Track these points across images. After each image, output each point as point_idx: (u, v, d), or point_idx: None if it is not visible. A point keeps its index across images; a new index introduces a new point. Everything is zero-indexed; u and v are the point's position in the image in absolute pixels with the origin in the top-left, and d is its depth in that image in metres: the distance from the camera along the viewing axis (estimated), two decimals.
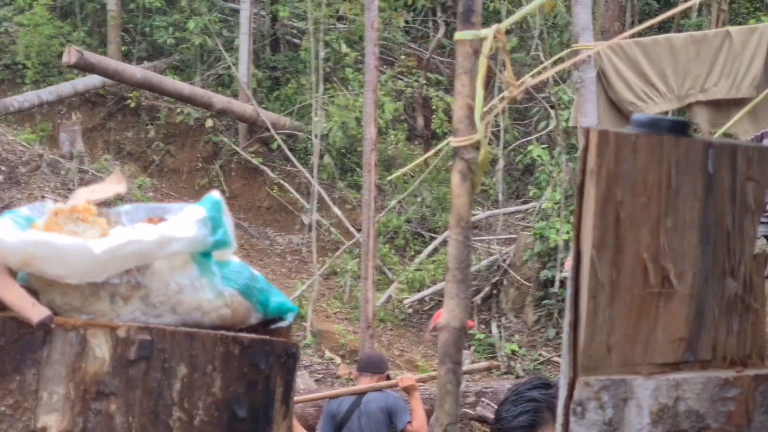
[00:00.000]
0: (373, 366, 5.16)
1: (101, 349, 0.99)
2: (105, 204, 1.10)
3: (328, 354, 11.37)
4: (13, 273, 1.02)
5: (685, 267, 0.88)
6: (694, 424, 0.87)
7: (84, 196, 1.09)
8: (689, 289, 0.88)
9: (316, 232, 12.91)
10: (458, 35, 0.96)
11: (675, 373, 0.88)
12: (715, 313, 0.89)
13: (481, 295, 12.32)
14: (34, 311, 1.00)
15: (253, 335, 1.05)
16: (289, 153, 14.01)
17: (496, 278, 12.45)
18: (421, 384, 5.37)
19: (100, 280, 1.01)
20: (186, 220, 1.04)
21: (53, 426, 0.97)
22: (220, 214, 1.05)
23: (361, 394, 5.09)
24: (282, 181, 14.43)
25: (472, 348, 11.24)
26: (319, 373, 10.57)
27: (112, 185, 1.13)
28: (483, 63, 1.00)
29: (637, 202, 0.87)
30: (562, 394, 0.89)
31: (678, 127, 0.87)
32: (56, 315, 1.01)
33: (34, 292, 1.02)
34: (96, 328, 1.00)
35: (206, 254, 1.04)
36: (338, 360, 11.17)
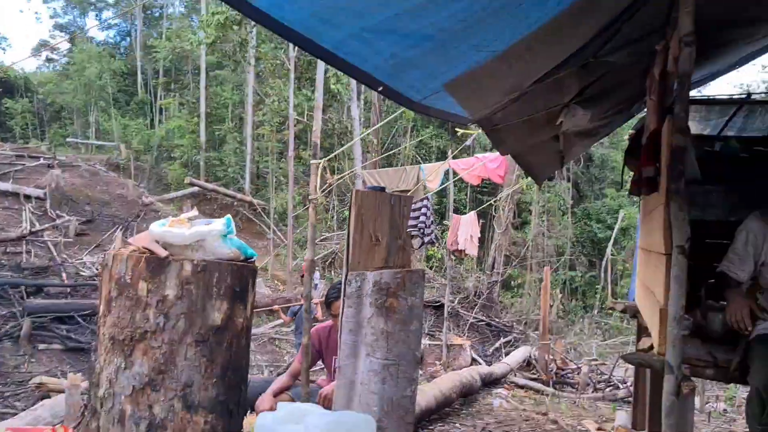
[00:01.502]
0: None
1: (187, 267, 2.83)
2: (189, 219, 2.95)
3: None
4: (156, 241, 2.84)
5: (384, 235, 2.79)
6: (384, 289, 2.77)
7: (182, 219, 2.94)
8: (384, 244, 2.79)
9: None
10: (312, 161, 2.86)
11: (382, 270, 2.79)
12: (394, 252, 2.81)
13: None
14: (162, 252, 2.83)
15: (243, 262, 2.92)
16: None
17: None
18: None
19: (188, 243, 2.85)
20: (218, 223, 2.89)
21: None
22: (231, 222, 2.91)
23: None
24: None
25: None
26: None
27: (189, 214, 2.98)
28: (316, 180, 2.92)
29: (369, 218, 2.78)
30: (344, 279, 2.78)
31: (381, 188, 2.79)
32: (171, 255, 2.84)
33: (164, 248, 2.84)
34: (186, 260, 2.83)
35: (225, 235, 2.89)
36: None
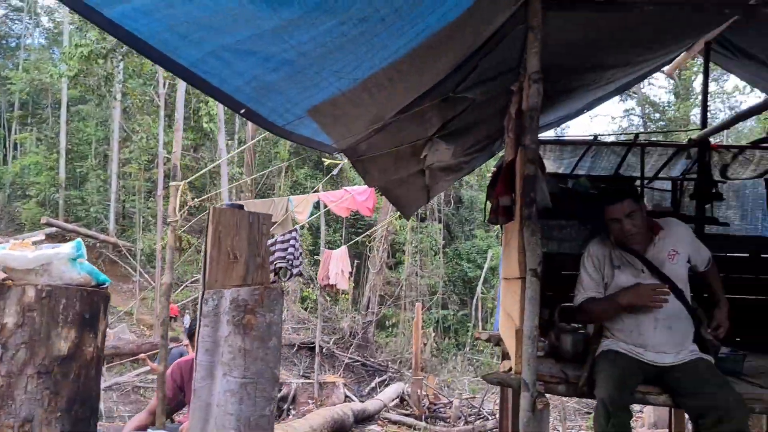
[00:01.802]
0: None
1: (30, 293, 2.64)
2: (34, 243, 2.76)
3: None
4: None
5: (243, 252, 2.75)
6: (242, 306, 2.72)
7: (26, 242, 2.74)
8: (243, 262, 2.74)
9: None
10: (172, 183, 2.79)
11: (239, 288, 2.73)
12: (253, 270, 2.76)
13: None
14: (2, 276, 2.63)
15: (94, 288, 2.76)
16: None
17: None
18: None
19: (31, 267, 2.66)
20: (66, 246, 2.72)
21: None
22: (81, 245, 2.75)
23: None
24: None
25: None
26: None
27: (35, 238, 2.76)
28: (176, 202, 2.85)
29: (227, 234, 2.73)
30: (201, 298, 2.70)
31: (239, 205, 2.75)
32: (10, 279, 2.64)
33: (4, 272, 2.64)
34: (29, 285, 2.64)
35: (74, 259, 2.73)
36: None
